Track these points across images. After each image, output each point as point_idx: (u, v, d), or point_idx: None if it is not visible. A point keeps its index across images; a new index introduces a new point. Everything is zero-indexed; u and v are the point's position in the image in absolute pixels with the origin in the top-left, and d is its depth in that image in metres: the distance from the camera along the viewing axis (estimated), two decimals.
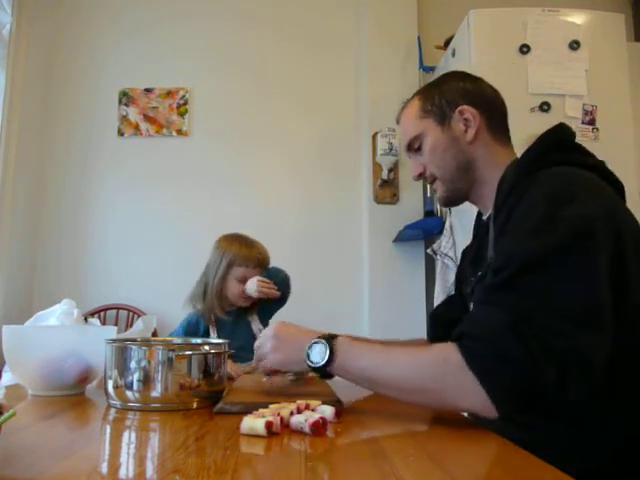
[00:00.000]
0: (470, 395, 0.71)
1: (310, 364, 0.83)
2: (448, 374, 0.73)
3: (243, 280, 1.60)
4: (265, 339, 0.92)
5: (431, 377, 0.75)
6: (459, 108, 1.02)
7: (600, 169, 0.88)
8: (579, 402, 0.72)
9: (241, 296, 1.61)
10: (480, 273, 0.97)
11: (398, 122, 1.15)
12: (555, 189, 0.81)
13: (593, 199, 0.80)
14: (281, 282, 1.63)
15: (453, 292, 1.26)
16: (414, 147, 1.08)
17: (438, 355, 0.75)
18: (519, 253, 0.76)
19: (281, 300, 1.66)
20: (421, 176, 1.10)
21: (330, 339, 0.83)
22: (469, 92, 1.04)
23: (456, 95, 1.04)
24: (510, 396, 0.70)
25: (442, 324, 1.20)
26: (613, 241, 0.77)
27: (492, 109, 1.04)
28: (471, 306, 1.04)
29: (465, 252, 1.21)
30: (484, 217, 1.08)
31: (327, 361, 0.81)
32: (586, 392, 0.70)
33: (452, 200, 1.09)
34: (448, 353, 0.74)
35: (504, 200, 0.89)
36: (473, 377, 0.70)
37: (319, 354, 0.82)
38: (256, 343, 0.97)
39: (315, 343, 0.83)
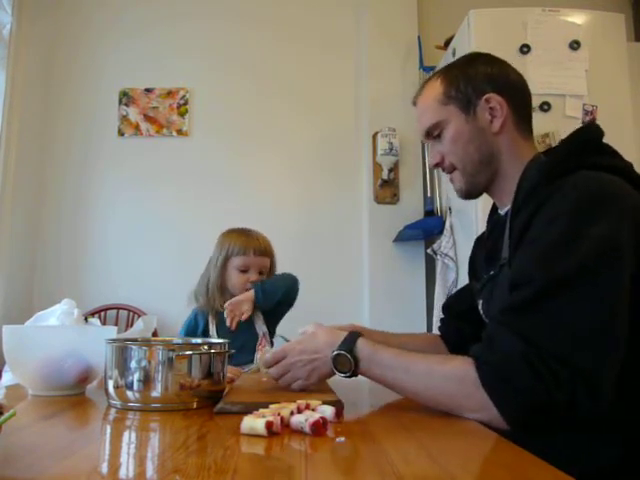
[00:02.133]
0: (484, 410, 0.76)
1: (339, 375, 0.88)
2: (464, 391, 0.77)
3: (244, 269, 1.58)
4: (287, 367, 0.91)
5: (448, 393, 0.80)
6: (485, 96, 0.97)
7: (627, 172, 0.86)
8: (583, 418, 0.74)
9: (243, 287, 1.58)
10: (492, 272, 0.96)
11: (415, 104, 1.06)
12: (579, 203, 0.79)
13: (617, 213, 0.78)
14: (285, 288, 1.59)
15: (453, 291, 1.26)
16: (433, 134, 1.02)
17: (456, 373, 0.79)
18: (540, 273, 0.76)
19: (288, 305, 1.63)
20: (438, 165, 1.04)
21: (351, 347, 0.86)
22: (496, 78, 0.99)
23: (483, 81, 0.98)
24: (521, 417, 0.74)
25: (453, 315, 1.20)
26: (636, 244, 0.77)
27: (519, 98, 1.00)
28: (479, 303, 1.03)
29: (478, 240, 1.17)
30: (500, 212, 1.04)
31: (353, 370, 0.86)
32: (594, 405, 0.72)
33: (470, 193, 1.03)
34: (465, 372, 0.78)
35: (523, 201, 0.87)
36: (487, 397, 0.75)
37: (345, 365, 0.86)
38: (265, 359, 0.96)
39: (338, 355, 0.87)
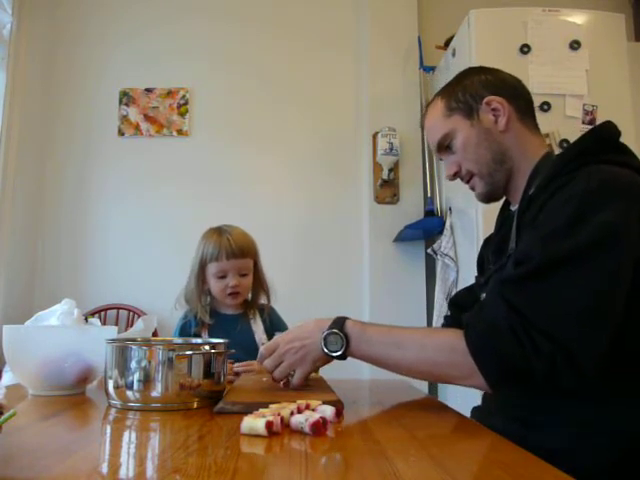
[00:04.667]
0: (472, 377, 0.80)
1: (330, 354, 0.89)
2: (454, 360, 0.81)
3: (222, 275, 1.51)
4: (280, 356, 0.92)
5: (439, 363, 0.83)
6: (485, 99, 1.00)
7: None
8: (580, 397, 0.75)
9: (224, 293, 1.52)
10: (500, 264, 0.97)
11: (422, 127, 1.13)
12: (591, 190, 0.80)
13: (629, 203, 0.79)
14: None
15: (454, 292, 1.26)
16: (444, 146, 1.05)
17: (446, 342, 0.83)
18: (541, 251, 0.78)
19: None
20: (456, 175, 1.06)
21: (341, 326, 0.89)
22: (492, 83, 1.02)
23: (479, 87, 1.02)
24: (503, 382, 0.79)
25: (459, 310, 1.20)
26: None
27: (518, 96, 1.02)
28: (482, 296, 1.04)
29: (487, 240, 1.19)
30: (512, 208, 1.05)
31: (345, 348, 0.88)
32: (577, 380, 0.74)
33: (492, 194, 1.05)
34: (455, 342, 0.81)
35: (536, 195, 0.88)
36: (474, 364, 0.78)
37: (335, 344, 0.88)
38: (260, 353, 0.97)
39: (329, 334, 0.88)
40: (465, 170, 1.04)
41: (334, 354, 0.88)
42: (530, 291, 0.77)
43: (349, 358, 0.90)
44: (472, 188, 1.06)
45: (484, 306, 0.82)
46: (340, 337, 0.87)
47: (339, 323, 0.89)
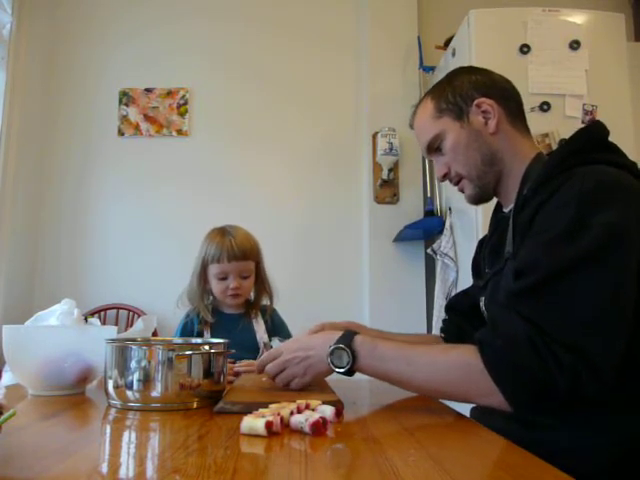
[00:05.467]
0: (490, 395, 0.77)
1: (336, 370, 0.87)
2: (470, 377, 0.78)
3: (223, 277, 1.52)
4: (283, 364, 0.91)
5: (453, 381, 0.80)
6: (476, 101, 0.99)
7: (633, 170, 0.87)
8: (587, 401, 0.74)
9: (224, 294, 1.53)
10: (497, 267, 0.96)
11: (412, 127, 1.11)
12: (587, 191, 0.79)
13: (626, 202, 0.78)
14: None
15: (454, 292, 1.26)
16: (434, 147, 1.05)
17: (460, 359, 0.80)
18: (546, 259, 0.77)
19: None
20: (446, 177, 1.06)
21: (349, 342, 0.86)
22: (482, 84, 1.02)
23: (470, 89, 1.01)
24: (524, 399, 0.75)
25: (456, 314, 1.20)
26: None
27: (508, 98, 1.02)
28: (481, 300, 1.03)
29: (481, 243, 1.18)
30: (505, 210, 1.05)
31: (351, 365, 0.85)
32: (598, 390, 0.72)
33: (481, 197, 1.04)
34: (469, 358, 0.78)
35: (531, 195, 0.87)
36: (492, 381, 0.75)
37: (341, 359, 0.86)
38: (262, 360, 0.97)
39: (336, 349, 0.86)
40: (454, 172, 1.03)
41: (339, 370, 0.86)
42: (541, 301, 0.76)
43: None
44: (461, 190, 1.06)
45: (497, 322, 0.80)
46: (347, 353, 0.85)
47: (347, 338, 0.87)
